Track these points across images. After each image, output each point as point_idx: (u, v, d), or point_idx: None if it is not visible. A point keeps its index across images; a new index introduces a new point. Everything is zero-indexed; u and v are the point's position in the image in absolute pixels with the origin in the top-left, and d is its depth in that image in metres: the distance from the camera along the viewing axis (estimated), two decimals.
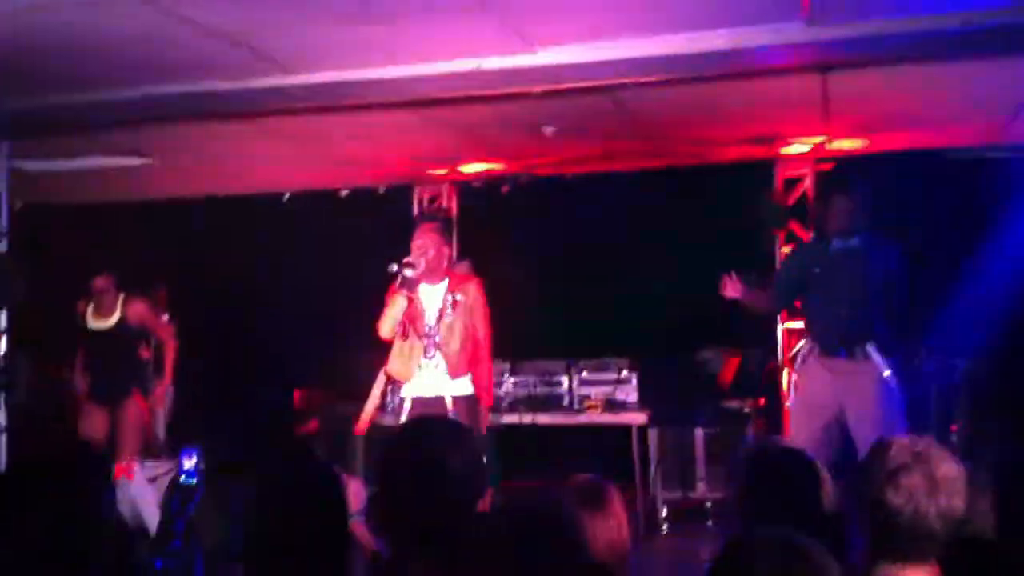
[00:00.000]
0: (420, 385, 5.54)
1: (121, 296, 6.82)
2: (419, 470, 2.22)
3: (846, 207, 5.78)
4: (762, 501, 2.57)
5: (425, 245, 5.48)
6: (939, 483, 2.25)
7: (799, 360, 6.03)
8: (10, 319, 6.65)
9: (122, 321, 6.80)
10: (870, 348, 5.62)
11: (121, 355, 6.84)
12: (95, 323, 6.83)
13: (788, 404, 6.35)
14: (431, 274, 5.48)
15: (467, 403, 5.46)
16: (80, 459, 2.49)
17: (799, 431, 5.71)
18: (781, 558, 1.79)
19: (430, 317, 5.52)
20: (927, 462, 2.28)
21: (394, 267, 5.37)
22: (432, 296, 5.54)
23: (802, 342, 6.12)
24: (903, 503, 2.24)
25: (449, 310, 5.49)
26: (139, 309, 6.84)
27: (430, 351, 5.51)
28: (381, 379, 5.85)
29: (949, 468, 2.28)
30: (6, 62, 4.98)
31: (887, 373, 5.59)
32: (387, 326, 5.45)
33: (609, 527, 2.77)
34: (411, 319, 5.47)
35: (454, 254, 5.81)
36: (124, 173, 7.73)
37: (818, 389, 5.71)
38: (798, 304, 6.55)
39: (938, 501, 2.24)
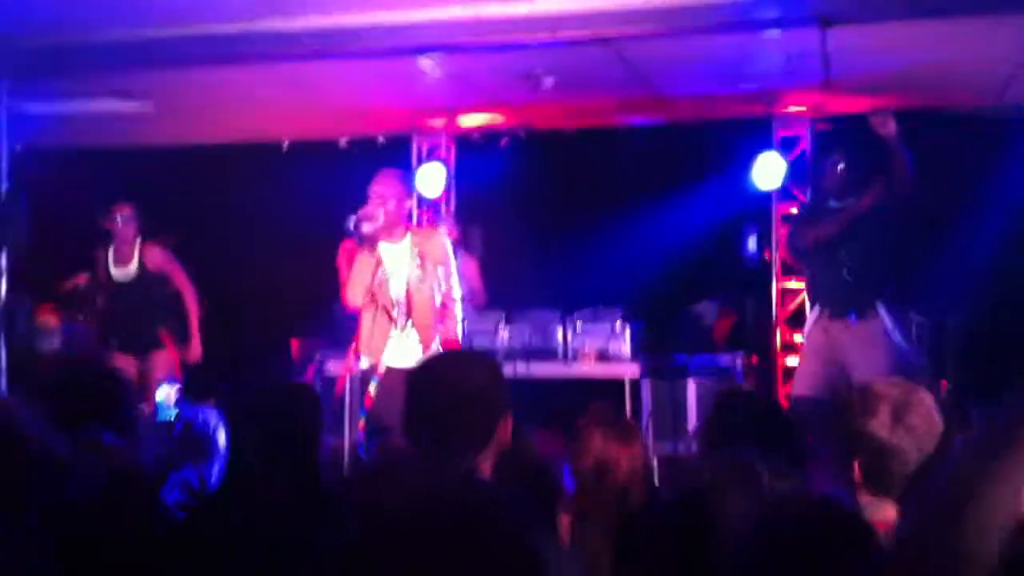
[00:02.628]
0: (393, 356, 5.00)
1: (138, 242, 6.83)
2: (441, 391, 2.24)
3: (840, 168, 5.90)
4: (724, 432, 2.66)
5: (384, 194, 4.96)
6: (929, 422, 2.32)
7: (808, 325, 6.08)
8: (10, 260, 6.70)
9: (141, 268, 6.81)
10: (880, 307, 5.71)
11: (145, 303, 6.79)
12: (116, 271, 6.84)
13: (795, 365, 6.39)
14: (392, 229, 4.97)
15: None
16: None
17: (804, 388, 5.80)
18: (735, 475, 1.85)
19: (397, 284, 4.99)
20: (919, 402, 2.34)
21: (352, 222, 4.85)
22: (397, 257, 5.01)
23: (814, 310, 6.10)
24: (907, 445, 2.29)
25: (417, 273, 4.97)
26: (156, 255, 6.81)
27: (400, 321, 4.99)
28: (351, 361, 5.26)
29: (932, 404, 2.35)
30: (6, 1, 5.00)
31: (894, 332, 5.71)
32: (357, 292, 4.93)
33: (638, 451, 2.91)
34: (375, 286, 4.94)
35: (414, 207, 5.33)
36: (123, 118, 7.74)
37: (827, 347, 5.80)
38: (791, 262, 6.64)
39: (925, 442, 2.29)
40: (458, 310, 5.16)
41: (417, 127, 8.64)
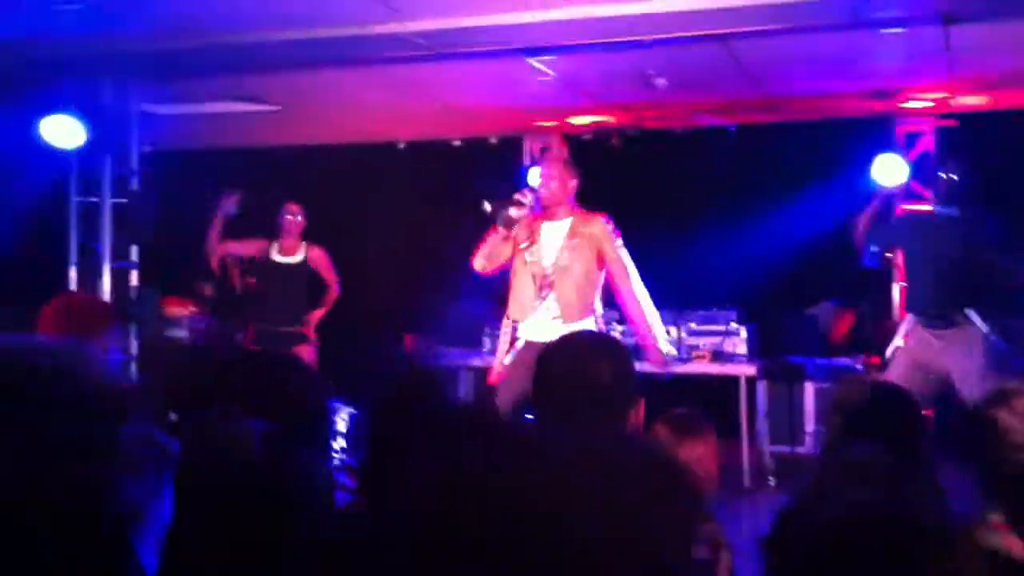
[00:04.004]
0: (535, 327, 5.21)
1: (304, 240, 7.28)
2: (568, 379, 2.22)
3: (943, 175, 5.79)
4: (853, 430, 2.55)
5: (550, 175, 5.27)
6: None
7: (901, 331, 5.97)
8: (140, 255, 6.99)
9: (304, 261, 7.25)
10: (970, 312, 5.57)
11: (298, 293, 7.25)
12: (279, 258, 7.24)
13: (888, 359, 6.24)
14: (554, 208, 5.24)
15: None
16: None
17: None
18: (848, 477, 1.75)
19: (548, 255, 5.21)
20: None
21: (487, 207, 5.24)
22: (554, 234, 5.25)
23: (908, 318, 5.99)
24: (1017, 424, 2.16)
25: (566, 249, 5.18)
26: (319, 253, 7.29)
27: (543, 291, 5.21)
28: (506, 326, 5.48)
29: None
30: (136, 4, 5.19)
31: (989, 334, 5.54)
32: (479, 260, 5.30)
33: (701, 451, 2.88)
34: (526, 257, 5.25)
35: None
36: (245, 119, 7.97)
37: (920, 351, 5.68)
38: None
39: None
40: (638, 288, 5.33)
41: (529, 127, 8.67)
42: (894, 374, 5.65)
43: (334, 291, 7.41)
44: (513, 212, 5.15)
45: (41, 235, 7.21)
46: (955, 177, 5.78)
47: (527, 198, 5.20)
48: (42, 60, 6.04)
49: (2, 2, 5.16)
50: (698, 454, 2.88)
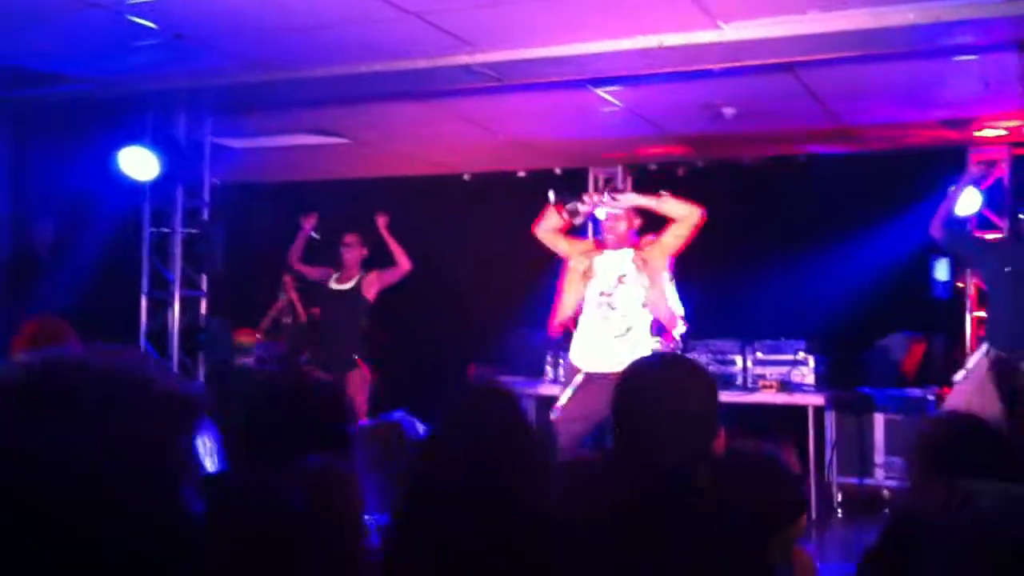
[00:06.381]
0: (597, 353, 5.39)
1: (361, 269, 7.34)
2: (659, 402, 2.16)
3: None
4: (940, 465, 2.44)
5: (618, 216, 5.60)
6: None
7: (973, 359, 5.85)
8: (208, 285, 7.09)
9: (357, 289, 7.28)
10: None
11: (349, 320, 7.27)
12: (335, 285, 7.34)
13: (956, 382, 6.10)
14: (619, 241, 5.56)
15: None
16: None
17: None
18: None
19: (607, 279, 5.48)
20: None
21: (551, 197, 5.58)
22: (614, 261, 5.52)
23: (981, 348, 5.88)
24: None
25: (632, 271, 5.45)
26: (372, 281, 7.31)
27: (604, 311, 5.46)
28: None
29: None
30: (212, 40, 5.29)
31: None
32: (540, 230, 5.65)
33: None
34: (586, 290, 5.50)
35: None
36: (313, 152, 8.07)
37: (985, 379, 5.56)
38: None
39: None
40: (680, 324, 5.59)
41: (594, 159, 8.68)
42: (955, 400, 5.55)
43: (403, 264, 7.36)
44: (580, 207, 5.53)
45: (115, 264, 7.34)
46: None
47: (592, 202, 5.58)
48: (119, 95, 6.18)
49: (81, 39, 5.29)
50: None
